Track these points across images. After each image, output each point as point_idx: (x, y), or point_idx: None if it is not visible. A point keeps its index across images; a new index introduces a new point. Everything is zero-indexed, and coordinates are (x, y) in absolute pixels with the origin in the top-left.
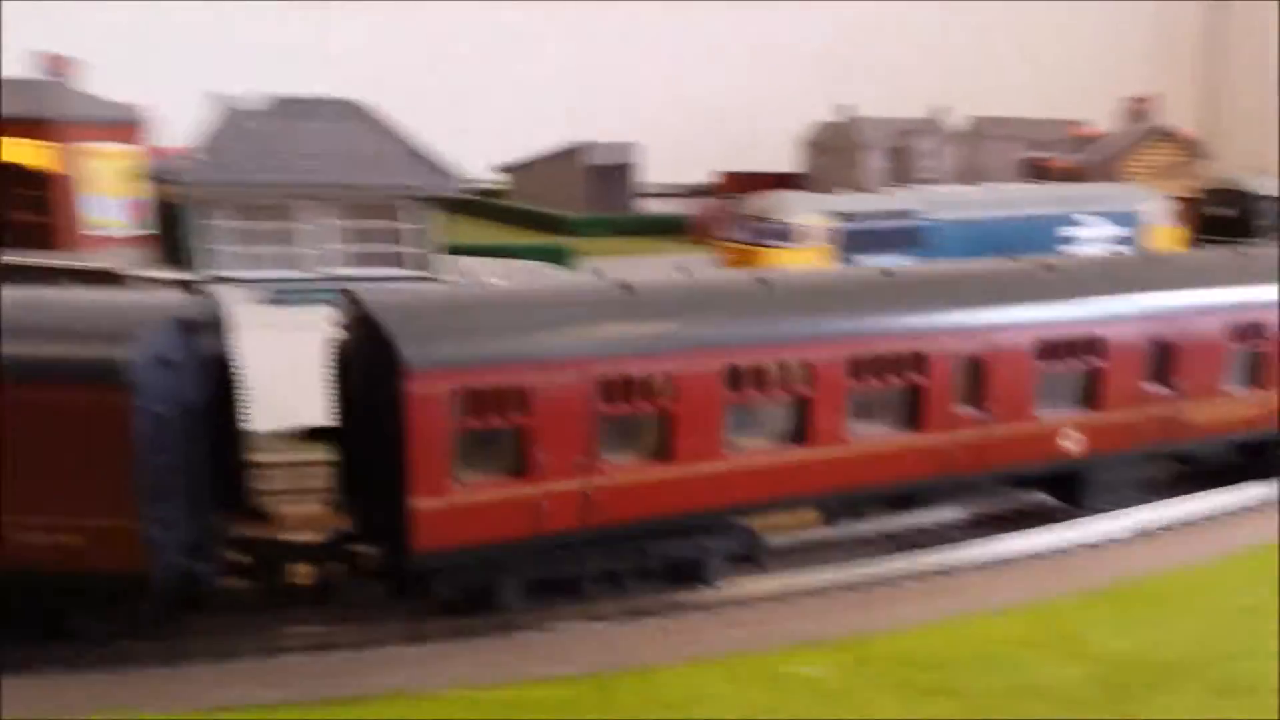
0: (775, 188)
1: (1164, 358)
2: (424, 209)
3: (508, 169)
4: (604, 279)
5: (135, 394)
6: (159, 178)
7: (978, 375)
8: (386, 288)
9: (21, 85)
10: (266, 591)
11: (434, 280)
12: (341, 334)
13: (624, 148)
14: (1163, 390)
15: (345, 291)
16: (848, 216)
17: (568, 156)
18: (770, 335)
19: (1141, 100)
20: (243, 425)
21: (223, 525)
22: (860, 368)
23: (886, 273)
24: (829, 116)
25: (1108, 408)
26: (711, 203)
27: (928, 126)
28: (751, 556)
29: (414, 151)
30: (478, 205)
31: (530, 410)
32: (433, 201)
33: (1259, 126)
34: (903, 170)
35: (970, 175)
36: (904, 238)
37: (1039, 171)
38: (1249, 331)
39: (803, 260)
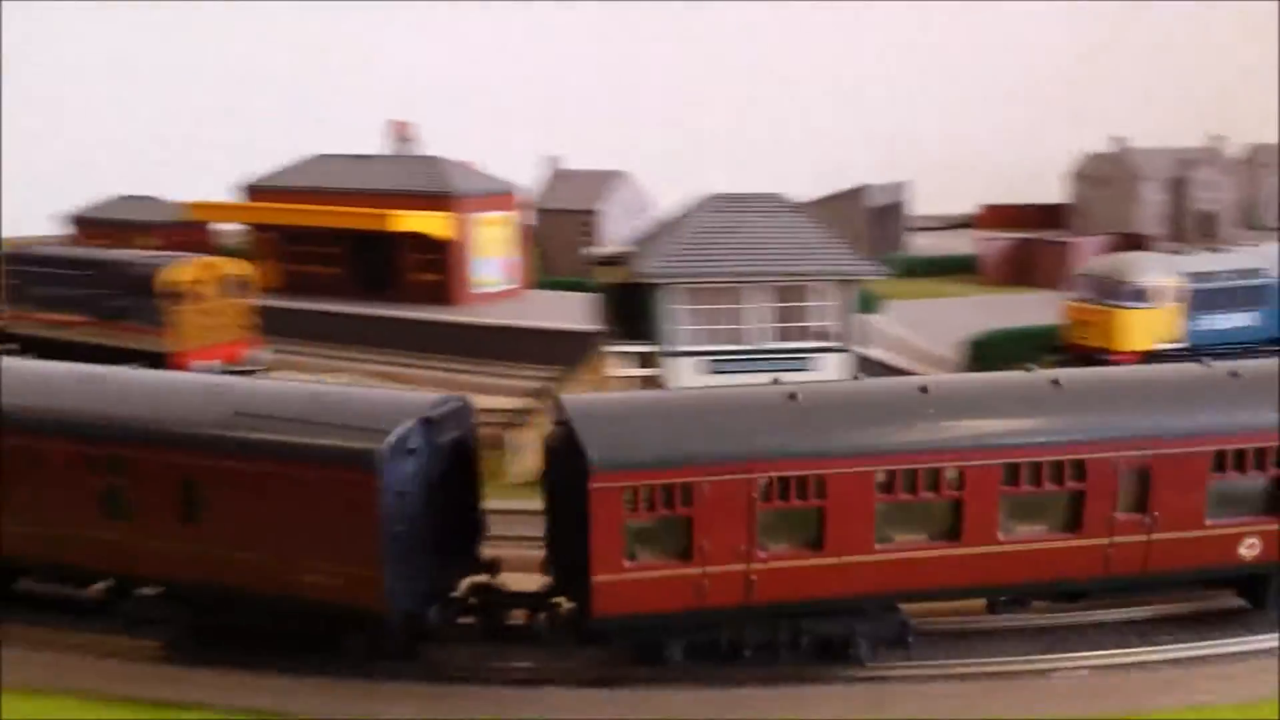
0: (1040, 221)
1: None
2: (842, 290)
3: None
4: (775, 386)
5: (380, 477)
6: (614, 261)
7: (1143, 482)
8: (593, 397)
9: (411, 162)
10: (489, 629)
11: (848, 350)
12: (552, 430)
13: (898, 187)
14: None
15: (554, 396)
16: (1196, 276)
17: (849, 198)
18: (918, 445)
19: None
20: (476, 494)
21: (456, 574)
22: (1014, 474)
23: (1054, 382)
24: (1101, 147)
25: None
26: (996, 242)
27: (1205, 156)
28: (899, 640)
29: (831, 239)
30: None
31: (695, 504)
32: (849, 284)
33: None
34: (1180, 202)
35: (1250, 206)
36: (1251, 296)
37: None
38: None
39: (1154, 321)
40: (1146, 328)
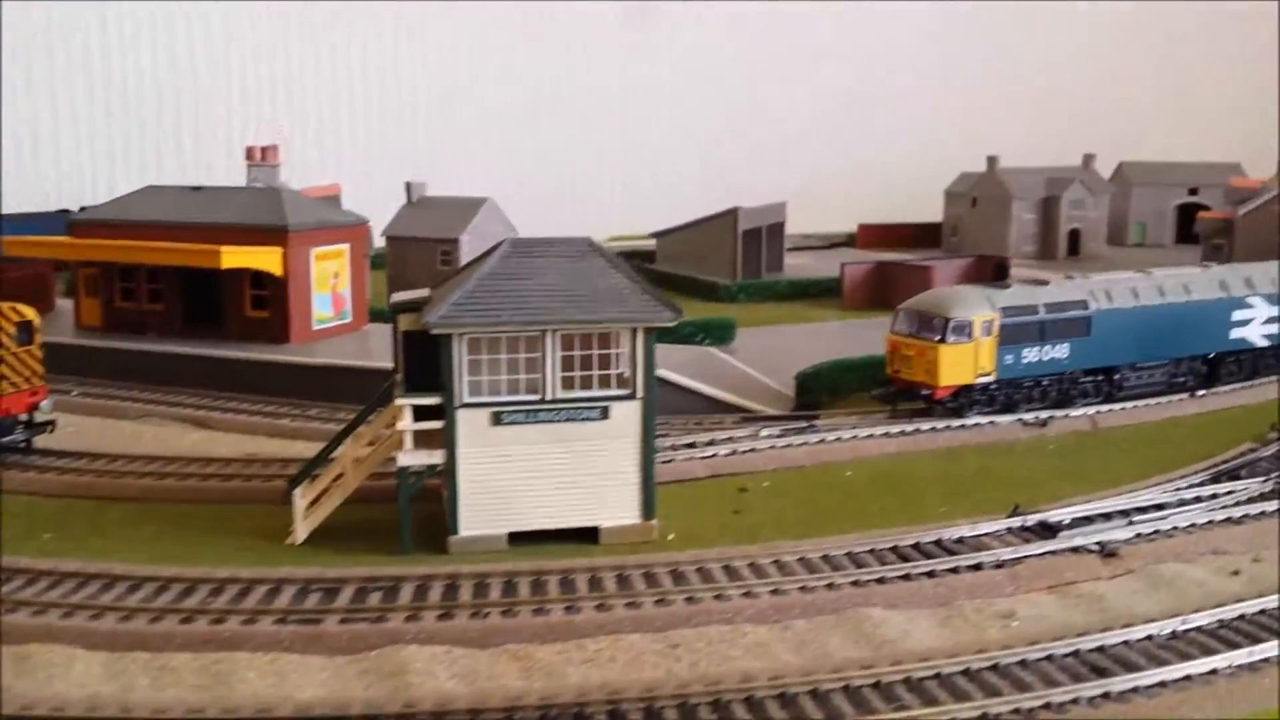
0: (915, 240)
1: None
2: (637, 336)
3: (656, 234)
4: None
5: None
6: (403, 307)
7: None
8: None
9: (245, 194)
10: None
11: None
12: None
13: (777, 208)
14: None
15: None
16: (1012, 310)
17: (722, 220)
18: None
19: None
20: None
21: None
22: None
23: None
24: (973, 166)
25: None
26: (856, 265)
27: (1076, 175)
28: None
29: (631, 285)
30: (640, 271)
31: None
32: (647, 331)
33: None
34: (1050, 221)
35: (1119, 225)
36: (1072, 328)
37: (1195, 222)
38: None
39: (970, 355)
40: (963, 362)
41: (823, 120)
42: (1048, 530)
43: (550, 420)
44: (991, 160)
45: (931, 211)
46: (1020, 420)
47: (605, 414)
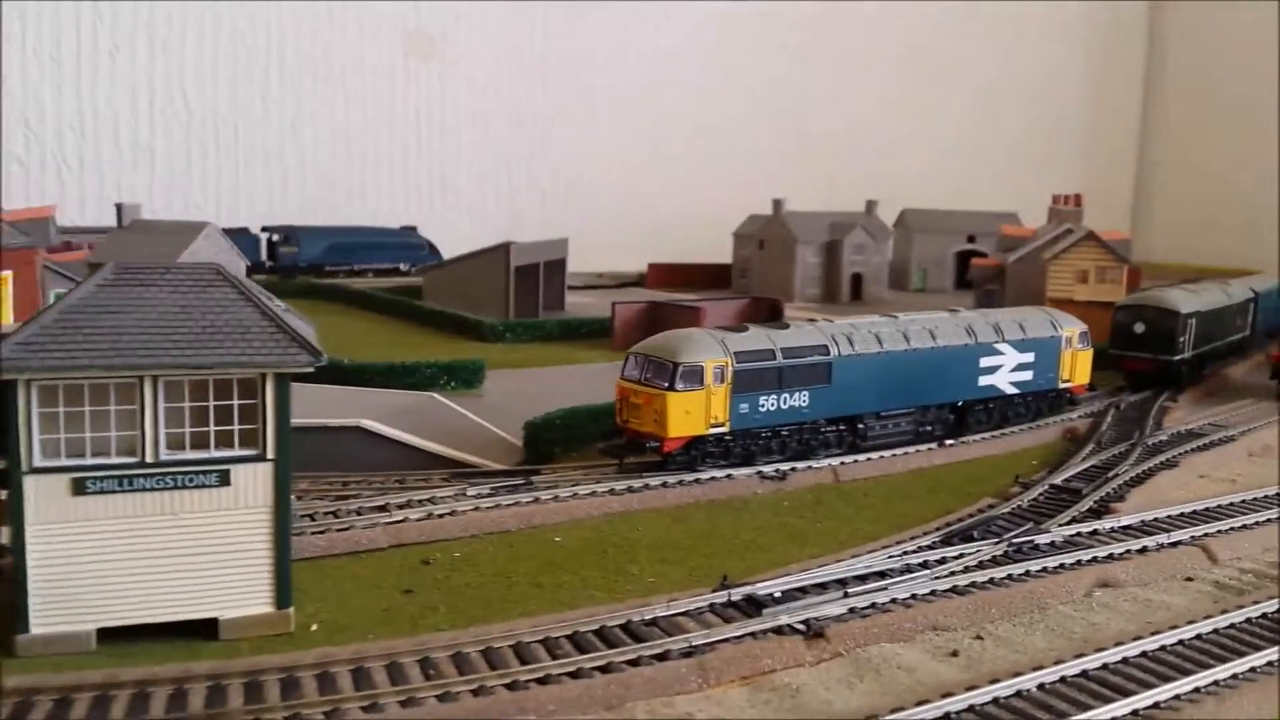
0: (707, 281)
1: None
2: (267, 384)
3: (423, 268)
4: None
5: None
6: None
7: None
8: None
9: None
10: None
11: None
12: None
13: (556, 244)
14: None
15: None
16: (751, 355)
17: (493, 255)
18: None
19: (1068, 199)
20: None
21: None
22: None
23: None
24: (761, 209)
25: None
26: (627, 305)
27: (859, 220)
28: None
29: (263, 321)
30: (404, 307)
31: None
32: (279, 378)
33: (1187, 228)
34: (834, 265)
35: (902, 269)
36: (812, 375)
37: (972, 269)
38: None
39: (701, 403)
40: (694, 411)
41: (623, 160)
42: (754, 606)
43: (152, 488)
44: (777, 203)
45: (726, 253)
46: (759, 473)
47: (225, 479)
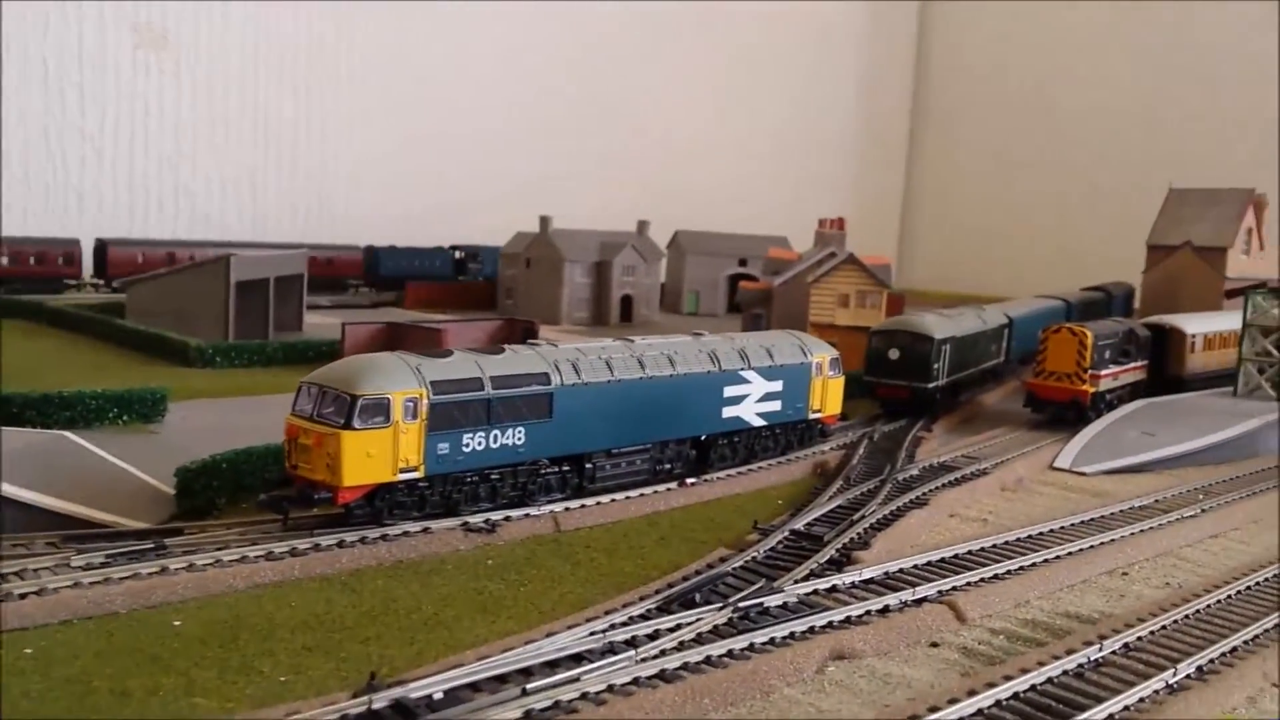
0: (473, 300)
1: None
2: None
3: (125, 282)
4: None
5: None
6: None
7: None
8: None
9: None
10: None
11: None
12: None
13: (291, 258)
14: None
15: None
16: (453, 385)
17: (210, 269)
18: None
19: (833, 223)
20: None
21: None
22: None
23: None
24: (529, 227)
25: None
26: (362, 328)
27: (630, 240)
28: None
29: None
30: (103, 326)
31: None
32: None
33: (951, 257)
34: (603, 285)
35: (675, 291)
36: (530, 408)
37: (740, 292)
38: None
39: (388, 444)
40: (378, 454)
41: (390, 169)
42: (403, 718)
43: None
44: (544, 220)
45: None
46: (465, 525)
47: None
